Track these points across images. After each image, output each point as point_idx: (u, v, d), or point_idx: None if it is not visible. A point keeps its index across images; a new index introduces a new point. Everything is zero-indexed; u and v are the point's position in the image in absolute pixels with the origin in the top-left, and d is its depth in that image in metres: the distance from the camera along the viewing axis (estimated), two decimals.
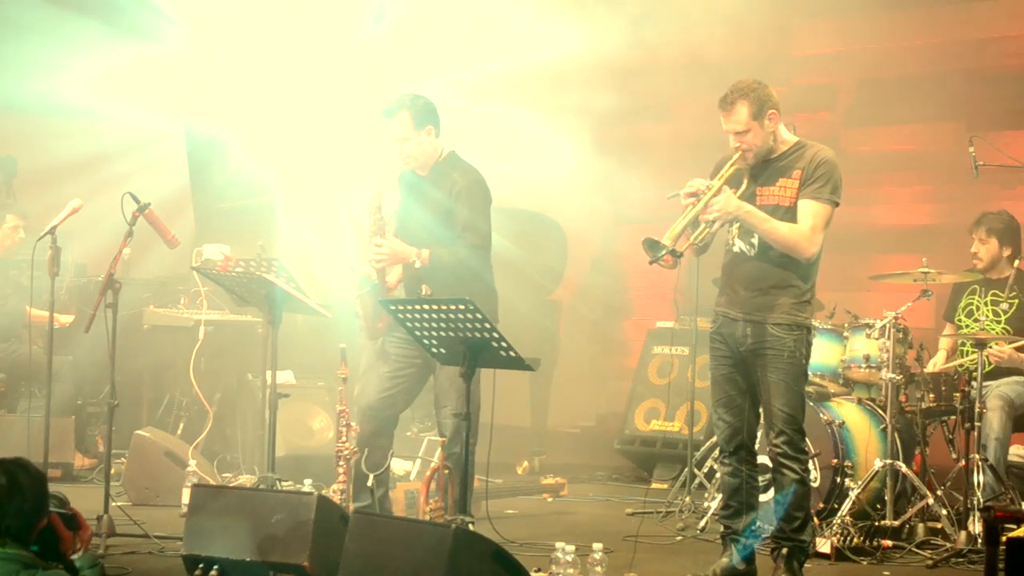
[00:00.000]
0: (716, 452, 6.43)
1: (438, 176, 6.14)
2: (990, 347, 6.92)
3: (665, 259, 5.21)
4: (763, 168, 5.51)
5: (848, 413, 7.04)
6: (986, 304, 7.22)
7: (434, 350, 5.28)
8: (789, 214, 5.43)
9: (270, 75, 9.53)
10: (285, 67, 9.50)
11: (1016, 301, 7.11)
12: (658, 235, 5.23)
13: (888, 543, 6.38)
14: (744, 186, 5.47)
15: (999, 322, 7.14)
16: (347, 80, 9.31)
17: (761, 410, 5.60)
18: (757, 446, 5.82)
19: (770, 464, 5.61)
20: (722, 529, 5.73)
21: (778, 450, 5.50)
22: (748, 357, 5.54)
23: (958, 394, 6.84)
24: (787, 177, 5.47)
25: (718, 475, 6.36)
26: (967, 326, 7.22)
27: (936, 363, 7.35)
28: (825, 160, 5.45)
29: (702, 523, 6.87)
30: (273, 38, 9.49)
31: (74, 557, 4.15)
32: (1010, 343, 7.00)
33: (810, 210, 5.41)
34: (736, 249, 5.58)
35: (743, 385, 5.59)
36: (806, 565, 5.66)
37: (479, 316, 4.96)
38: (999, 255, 7.22)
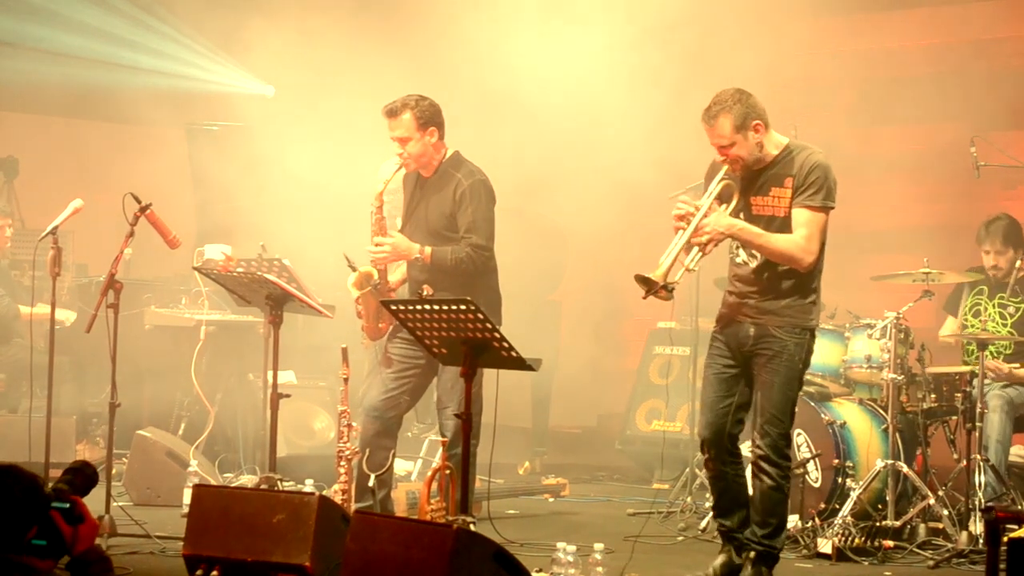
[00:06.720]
0: (698, 455, 6.39)
1: (441, 177, 6.14)
2: (989, 354, 6.93)
3: (659, 293, 5.19)
4: (754, 178, 5.41)
5: (849, 413, 7.04)
6: (993, 306, 7.22)
7: (435, 350, 5.28)
8: (784, 224, 5.35)
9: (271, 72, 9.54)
10: (285, 65, 9.50)
11: (1023, 306, 7.11)
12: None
13: (889, 543, 6.38)
14: (735, 201, 5.39)
15: (1005, 324, 7.14)
16: (351, 77, 9.29)
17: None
18: (748, 450, 5.80)
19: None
20: (718, 527, 5.72)
21: (760, 452, 5.45)
22: (749, 358, 5.49)
23: (959, 394, 6.85)
24: (779, 186, 5.36)
25: None
26: (973, 326, 7.21)
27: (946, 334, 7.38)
28: (816, 165, 5.33)
29: (703, 523, 6.86)
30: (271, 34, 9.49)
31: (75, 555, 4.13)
32: (1008, 358, 7.05)
33: (804, 219, 5.31)
34: (740, 260, 5.51)
35: (734, 387, 5.53)
36: (807, 565, 5.66)
37: (480, 316, 4.96)
38: (1014, 260, 7.16)
